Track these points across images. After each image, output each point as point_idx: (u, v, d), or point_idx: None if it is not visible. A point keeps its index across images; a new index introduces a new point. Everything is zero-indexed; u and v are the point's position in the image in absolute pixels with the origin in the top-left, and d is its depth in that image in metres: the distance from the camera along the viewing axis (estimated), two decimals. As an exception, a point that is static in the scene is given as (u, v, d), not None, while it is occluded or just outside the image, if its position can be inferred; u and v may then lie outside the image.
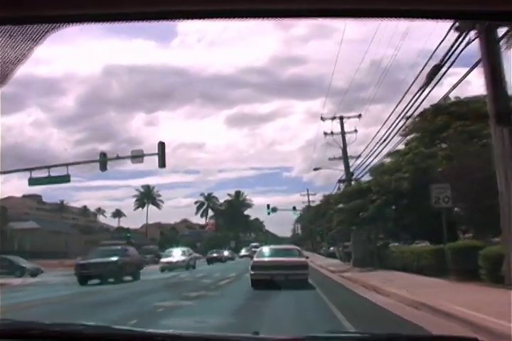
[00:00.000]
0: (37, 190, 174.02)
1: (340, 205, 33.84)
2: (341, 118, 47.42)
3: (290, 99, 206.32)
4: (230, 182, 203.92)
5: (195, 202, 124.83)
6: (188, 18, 1.54)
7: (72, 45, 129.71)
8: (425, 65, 21.16)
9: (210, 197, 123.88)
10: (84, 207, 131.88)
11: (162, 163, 33.21)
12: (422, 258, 23.56)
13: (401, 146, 35.03)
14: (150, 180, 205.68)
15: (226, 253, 74.00)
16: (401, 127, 32.94)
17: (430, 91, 21.17)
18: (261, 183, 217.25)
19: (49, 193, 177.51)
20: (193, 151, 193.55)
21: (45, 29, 1.53)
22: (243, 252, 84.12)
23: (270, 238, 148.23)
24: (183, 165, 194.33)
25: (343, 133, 47.28)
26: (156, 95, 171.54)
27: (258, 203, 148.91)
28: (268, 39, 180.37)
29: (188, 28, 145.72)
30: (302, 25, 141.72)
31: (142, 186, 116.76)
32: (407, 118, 32.02)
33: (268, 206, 71.06)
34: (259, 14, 1.54)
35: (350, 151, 46.45)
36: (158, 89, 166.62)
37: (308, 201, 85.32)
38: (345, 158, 46.57)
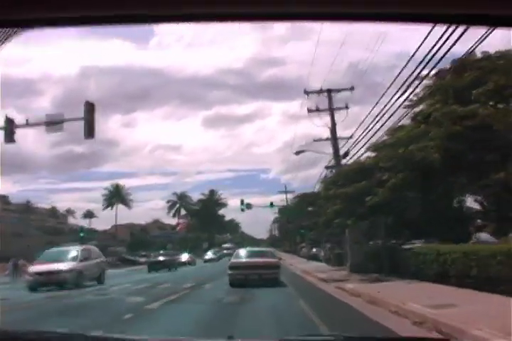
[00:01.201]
0: (8, 191, 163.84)
1: (341, 189, 23.24)
2: (329, 91, 37.26)
3: (268, 100, 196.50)
4: (207, 184, 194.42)
5: (167, 202, 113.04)
6: (168, 21, 1.49)
7: (48, 45, 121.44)
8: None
9: (182, 197, 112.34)
10: (53, 207, 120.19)
11: (89, 131, 22.63)
12: (492, 263, 13.15)
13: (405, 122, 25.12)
14: (127, 182, 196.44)
15: (185, 256, 59.19)
16: (407, 97, 23.32)
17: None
18: (238, 185, 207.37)
19: (21, 195, 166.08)
20: (170, 153, 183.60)
21: (17, 30, 1.44)
22: (209, 255, 70.48)
23: (246, 239, 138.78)
24: (160, 167, 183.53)
25: (331, 108, 37.10)
26: (133, 96, 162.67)
27: (235, 205, 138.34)
28: (246, 40, 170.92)
29: (166, 29, 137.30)
30: (281, 27, 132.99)
31: (111, 185, 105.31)
32: (422, 78, 22.00)
33: (242, 201, 58.38)
34: (241, 17, 1.47)
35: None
36: (136, 90, 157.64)
37: (286, 199, 75.12)
38: (333, 138, 36.31)
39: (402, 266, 21.81)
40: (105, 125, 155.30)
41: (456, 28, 13.61)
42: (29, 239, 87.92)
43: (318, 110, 37.48)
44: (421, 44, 17.21)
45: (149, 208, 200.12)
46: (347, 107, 37.50)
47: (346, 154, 30.13)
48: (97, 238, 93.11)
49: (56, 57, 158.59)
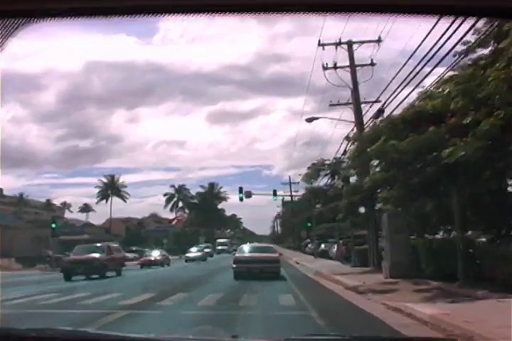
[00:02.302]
0: (11, 185, 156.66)
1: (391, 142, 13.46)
2: (350, 43, 27.85)
3: (272, 96, 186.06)
4: (210, 180, 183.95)
5: (165, 195, 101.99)
6: (172, 13, 1.41)
7: (52, 40, 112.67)
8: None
9: (181, 190, 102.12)
10: (48, 200, 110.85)
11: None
12: None
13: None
14: (130, 178, 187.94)
15: (155, 254, 43.54)
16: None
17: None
18: (241, 181, 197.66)
19: (25, 189, 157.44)
20: (174, 148, 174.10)
21: (20, 23, 1.40)
22: (192, 253, 52.78)
23: (248, 235, 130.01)
24: (163, 163, 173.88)
25: (352, 65, 27.76)
26: (137, 91, 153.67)
27: (237, 201, 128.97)
28: (251, 36, 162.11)
29: (170, 24, 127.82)
30: (285, 23, 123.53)
31: (105, 176, 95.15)
32: None
33: (241, 189, 45.37)
34: (245, 9, 1.42)
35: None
36: (140, 85, 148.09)
37: (290, 190, 65.71)
38: (356, 100, 26.98)
39: (494, 271, 12.49)
40: (109, 120, 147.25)
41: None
42: (16, 232, 79.45)
43: (335, 67, 28.19)
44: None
45: (151, 204, 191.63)
46: (372, 64, 28.21)
47: (381, 111, 20.56)
48: (87, 231, 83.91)
49: (59, 51, 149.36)
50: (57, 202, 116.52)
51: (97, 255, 26.76)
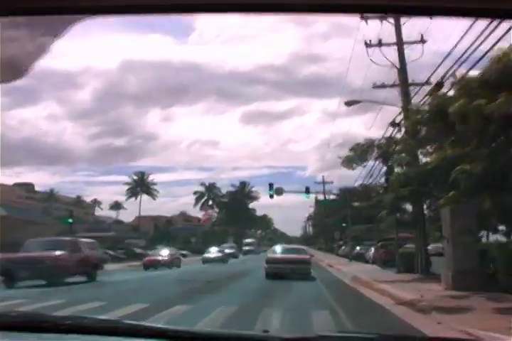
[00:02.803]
0: (50, 183, 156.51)
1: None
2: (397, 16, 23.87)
3: (307, 97, 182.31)
4: (242, 180, 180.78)
5: (194, 193, 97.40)
6: (205, 11, 1.40)
7: (89, 39, 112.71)
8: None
9: (211, 188, 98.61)
10: (78, 197, 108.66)
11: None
12: None
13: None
14: (164, 177, 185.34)
15: (165, 253, 36.93)
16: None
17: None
18: (274, 181, 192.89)
19: (60, 186, 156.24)
20: (208, 148, 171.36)
21: (64, 21, 1.40)
22: (212, 253, 45.09)
23: (279, 236, 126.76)
24: (197, 162, 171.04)
25: (400, 42, 23.93)
26: (172, 91, 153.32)
27: (269, 202, 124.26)
28: (286, 36, 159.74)
29: (206, 24, 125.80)
30: (321, 23, 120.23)
31: (135, 173, 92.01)
32: None
33: (271, 186, 41.95)
34: (276, 8, 1.37)
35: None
36: (175, 84, 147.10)
37: (324, 189, 61.87)
38: (404, 81, 23.14)
39: None
40: (143, 119, 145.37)
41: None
42: (43, 228, 77.38)
43: (380, 44, 24.33)
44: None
45: (184, 203, 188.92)
46: (423, 41, 24.22)
47: (440, 86, 16.51)
48: (115, 228, 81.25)
49: (96, 50, 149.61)
50: (89, 199, 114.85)
51: (55, 253, 19.92)
